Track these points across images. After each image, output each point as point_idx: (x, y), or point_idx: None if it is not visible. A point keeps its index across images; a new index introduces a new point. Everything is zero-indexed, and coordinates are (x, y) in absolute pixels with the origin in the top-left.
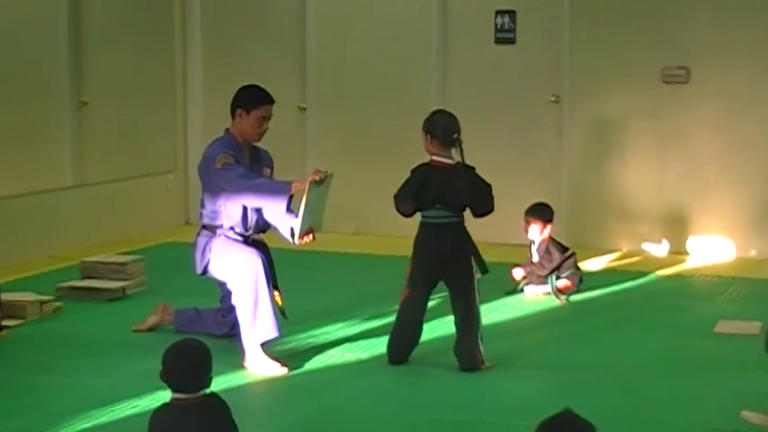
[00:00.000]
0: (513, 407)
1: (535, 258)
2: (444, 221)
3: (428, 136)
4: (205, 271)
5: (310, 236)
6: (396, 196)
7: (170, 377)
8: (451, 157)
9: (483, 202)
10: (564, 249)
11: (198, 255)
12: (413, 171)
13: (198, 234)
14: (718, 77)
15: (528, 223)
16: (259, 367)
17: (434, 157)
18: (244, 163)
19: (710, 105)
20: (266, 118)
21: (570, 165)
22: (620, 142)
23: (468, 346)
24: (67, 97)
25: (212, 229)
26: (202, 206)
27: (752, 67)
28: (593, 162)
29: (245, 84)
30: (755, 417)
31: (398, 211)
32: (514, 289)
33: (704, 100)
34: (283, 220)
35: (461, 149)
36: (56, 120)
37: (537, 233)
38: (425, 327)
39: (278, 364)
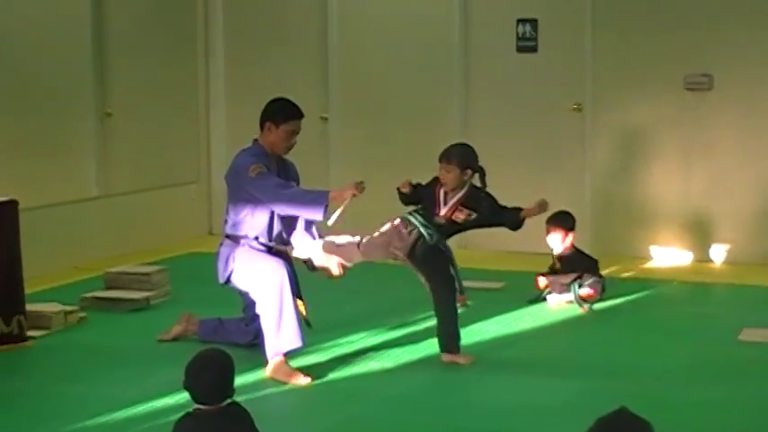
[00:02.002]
0: (537, 413)
1: (558, 266)
2: None
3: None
4: (228, 280)
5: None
6: None
7: (193, 389)
8: None
9: None
10: (587, 258)
11: (221, 264)
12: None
13: (221, 244)
14: (742, 84)
15: (548, 232)
16: (282, 377)
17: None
18: (274, 173)
19: (734, 112)
20: (295, 132)
21: (593, 173)
22: (643, 150)
23: None
24: (92, 109)
25: (235, 239)
26: (227, 215)
27: None
28: (616, 170)
29: (276, 96)
30: None
31: None
32: (538, 297)
33: (728, 107)
34: (302, 242)
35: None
36: (80, 131)
37: (558, 242)
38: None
39: (300, 375)
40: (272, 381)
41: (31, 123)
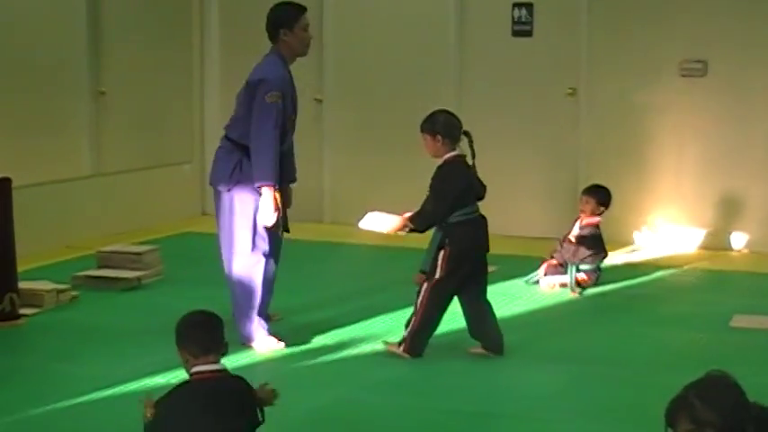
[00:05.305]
0: (528, 398)
1: (574, 232)
2: (479, 214)
3: (438, 136)
4: (218, 194)
5: None
6: (440, 201)
7: (188, 338)
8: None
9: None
10: (602, 246)
11: (220, 168)
12: (454, 170)
13: (220, 146)
14: (736, 71)
15: (581, 201)
16: (258, 344)
17: (453, 153)
18: (290, 95)
19: (728, 99)
20: (308, 26)
21: (586, 157)
22: (636, 135)
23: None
24: (85, 87)
25: (238, 146)
26: (235, 120)
27: None
28: (609, 155)
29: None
30: None
31: (438, 216)
32: (534, 277)
33: (721, 94)
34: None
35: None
36: (74, 109)
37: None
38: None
39: (275, 339)
40: (260, 363)
41: (24, 101)
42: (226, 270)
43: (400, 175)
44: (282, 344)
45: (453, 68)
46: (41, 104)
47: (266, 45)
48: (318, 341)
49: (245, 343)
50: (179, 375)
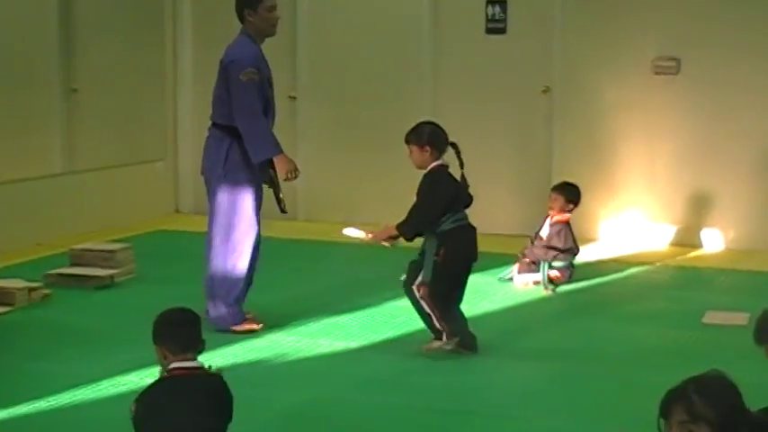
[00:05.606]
0: (504, 396)
1: (544, 232)
2: (469, 222)
3: (426, 147)
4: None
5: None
6: (429, 207)
7: (166, 335)
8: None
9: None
10: (573, 242)
11: (212, 155)
12: (441, 178)
13: (210, 134)
14: (709, 69)
15: (549, 197)
16: (236, 327)
17: (438, 163)
18: (265, 72)
19: (700, 97)
20: (274, 8)
21: (560, 155)
22: (610, 133)
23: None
24: (57, 84)
25: (226, 130)
26: (216, 104)
27: (741, 58)
28: (583, 153)
29: None
30: None
31: (426, 222)
32: (507, 275)
33: (694, 91)
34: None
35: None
36: (45, 107)
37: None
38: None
39: (252, 323)
40: (238, 360)
41: None
42: (207, 257)
43: (374, 173)
44: (261, 325)
45: (427, 66)
46: (12, 102)
47: None
48: (295, 339)
49: (216, 324)
50: (153, 374)
